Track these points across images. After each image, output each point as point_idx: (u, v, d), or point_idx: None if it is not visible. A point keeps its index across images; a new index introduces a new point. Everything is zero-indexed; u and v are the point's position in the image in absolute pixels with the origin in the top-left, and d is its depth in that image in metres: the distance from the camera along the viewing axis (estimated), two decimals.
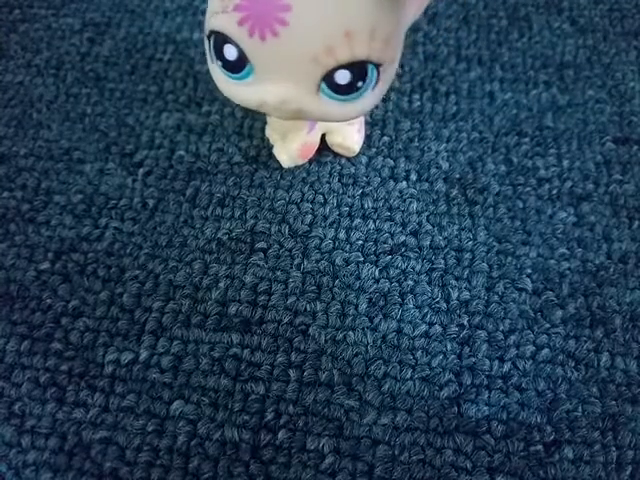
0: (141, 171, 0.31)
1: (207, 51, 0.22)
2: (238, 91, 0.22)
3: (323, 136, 0.30)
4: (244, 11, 0.19)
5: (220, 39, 0.21)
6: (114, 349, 0.26)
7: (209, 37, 0.22)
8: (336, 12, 0.19)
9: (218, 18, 0.20)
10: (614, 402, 0.24)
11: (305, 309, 0.26)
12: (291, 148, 0.29)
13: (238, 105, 0.33)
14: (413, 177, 0.30)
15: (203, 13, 0.37)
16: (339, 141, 0.30)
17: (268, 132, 0.31)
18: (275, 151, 0.30)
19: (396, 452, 0.23)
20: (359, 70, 0.21)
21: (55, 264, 0.28)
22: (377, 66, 0.21)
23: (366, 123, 0.32)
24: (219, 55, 0.21)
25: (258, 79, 0.21)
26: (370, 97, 0.22)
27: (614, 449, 0.23)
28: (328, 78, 0.21)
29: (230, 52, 0.21)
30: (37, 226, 0.29)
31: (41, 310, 0.27)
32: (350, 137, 0.30)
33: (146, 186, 0.30)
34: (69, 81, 0.35)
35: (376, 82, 0.22)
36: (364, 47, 0.20)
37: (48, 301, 0.27)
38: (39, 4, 0.39)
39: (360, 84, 0.21)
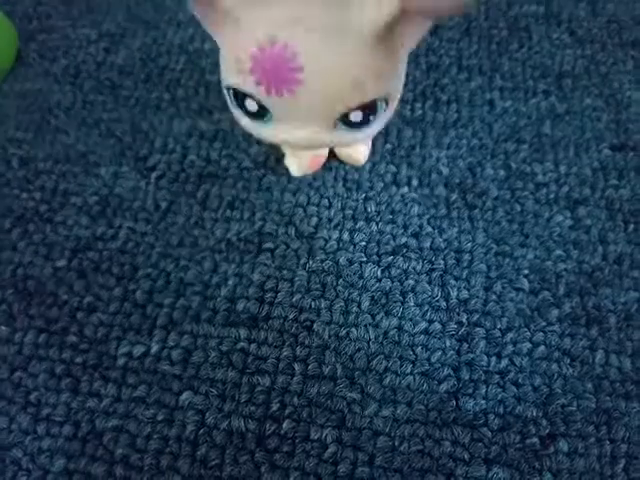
0: (154, 174, 0.32)
1: (227, 98, 0.24)
2: (260, 131, 0.24)
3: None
4: (259, 73, 0.21)
5: (240, 93, 0.22)
6: (127, 342, 0.27)
7: (228, 90, 0.23)
8: (343, 66, 0.20)
9: (235, 76, 0.22)
10: (608, 398, 0.25)
11: (310, 306, 0.28)
12: (302, 159, 0.30)
13: None
14: (414, 182, 0.32)
15: None
16: (347, 152, 0.31)
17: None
18: (286, 161, 0.31)
19: (396, 443, 0.24)
20: (370, 108, 0.22)
21: (71, 262, 0.29)
22: (385, 99, 0.23)
23: None
24: (240, 105, 0.23)
25: (278, 124, 0.23)
26: (380, 121, 0.24)
27: (608, 443, 0.24)
28: (343, 118, 0.22)
29: (250, 105, 0.22)
30: (54, 226, 0.31)
31: (57, 305, 0.28)
32: (357, 149, 0.31)
33: (159, 189, 0.32)
34: (86, 88, 0.36)
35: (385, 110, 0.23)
36: (372, 91, 0.21)
37: (64, 297, 0.28)
38: (57, 15, 0.40)
39: (372, 117, 0.23)
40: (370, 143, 0.32)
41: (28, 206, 0.31)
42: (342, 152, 0.31)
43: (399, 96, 0.25)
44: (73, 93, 0.36)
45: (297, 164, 0.31)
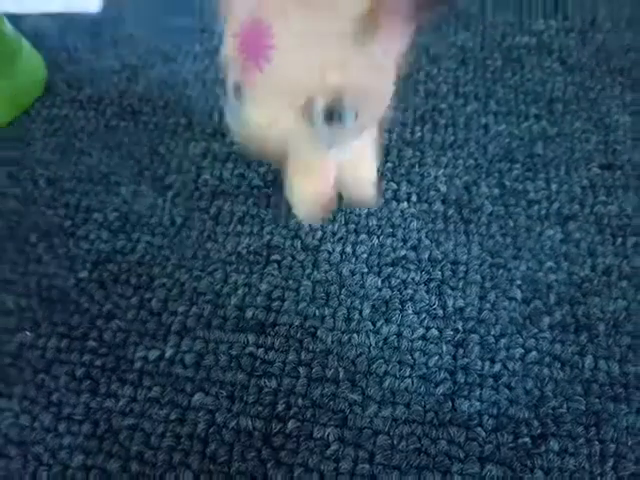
0: (170, 193, 0.35)
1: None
2: (236, 116, 0.25)
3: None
4: (242, 44, 0.23)
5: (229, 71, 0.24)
6: (143, 347, 0.29)
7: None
8: (311, 57, 0.22)
9: (229, 45, 0.24)
10: (597, 400, 0.26)
11: (314, 314, 0.29)
12: (307, 203, 0.28)
13: None
14: (414, 199, 0.34)
15: None
16: (354, 191, 0.29)
17: (287, 193, 0.32)
18: (295, 210, 0.29)
19: (395, 442, 0.26)
20: (335, 102, 0.23)
21: (92, 273, 0.31)
22: (354, 109, 0.23)
23: None
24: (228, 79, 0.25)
25: (250, 105, 0.24)
26: (348, 131, 0.24)
27: (597, 443, 0.25)
28: (307, 108, 0.23)
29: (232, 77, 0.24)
30: (77, 240, 0.33)
31: (79, 313, 0.30)
32: (362, 186, 0.29)
33: (174, 206, 0.34)
34: (108, 115, 0.39)
35: (355, 117, 0.24)
36: (336, 81, 0.22)
37: (85, 305, 0.30)
38: (83, 48, 0.44)
39: (336, 116, 0.23)
40: (375, 178, 0.29)
41: (53, 222, 0.34)
42: (351, 191, 0.29)
43: (374, 114, 0.25)
44: (96, 119, 0.39)
45: (305, 210, 0.28)
